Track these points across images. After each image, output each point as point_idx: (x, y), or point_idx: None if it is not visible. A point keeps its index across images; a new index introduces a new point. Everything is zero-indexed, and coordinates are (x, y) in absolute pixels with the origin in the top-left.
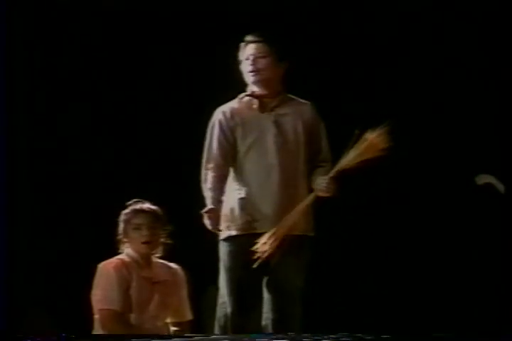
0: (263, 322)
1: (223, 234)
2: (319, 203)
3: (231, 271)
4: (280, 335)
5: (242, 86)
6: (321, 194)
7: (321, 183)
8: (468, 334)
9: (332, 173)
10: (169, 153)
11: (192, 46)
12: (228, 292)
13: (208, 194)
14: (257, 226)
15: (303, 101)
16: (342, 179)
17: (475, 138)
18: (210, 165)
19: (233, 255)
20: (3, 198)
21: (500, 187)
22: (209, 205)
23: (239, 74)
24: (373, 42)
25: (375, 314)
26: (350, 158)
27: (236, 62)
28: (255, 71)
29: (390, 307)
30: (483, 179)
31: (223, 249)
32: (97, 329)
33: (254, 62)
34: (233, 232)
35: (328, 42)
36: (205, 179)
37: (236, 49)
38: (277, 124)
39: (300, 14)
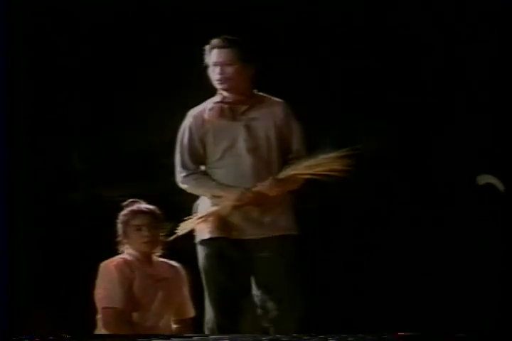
0: (264, 324)
1: (198, 237)
2: (302, 201)
3: (207, 274)
4: (278, 336)
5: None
6: (262, 190)
7: (265, 182)
8: (469, 335)
9: (280, 175)
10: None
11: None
12: (208, 295)
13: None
14: (229, 231)
15: (276, 99)
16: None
17: (476, 139)
18: (185, 173)
19: (208, 258)
20: (2, 198)
21: (501, 187)
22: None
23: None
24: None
25: (368, 313)
26: (299, 168)
27: (204, 65)
28: (223, 80)
29: (386, 306)
30: (484, 179)
31: (200, 252)
32: (100, 328)
33: (222, 70)
34: (207, 236)
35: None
36: (190, 186)
37: (202, 51)
38: (248, 129)
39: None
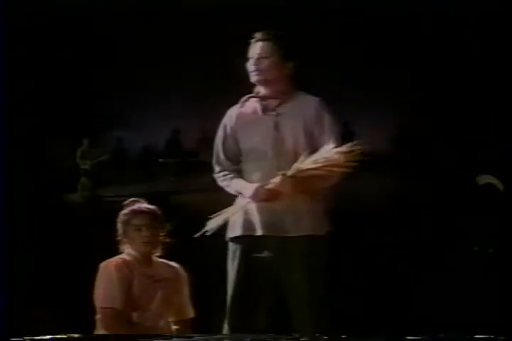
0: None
1: (228, 234)
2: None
3: (229, 270)
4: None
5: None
6: (275, 187)
7: (275, 179)
8: (471, 335)
9: (289, 172)
10: (169, 152)
11: (202, 45)
12: (229, 291)
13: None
14: (256, 229)
15: (311, 97)
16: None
17: (476, 139)
18: (218, 169)
19: (234, 255)
20: (2, 198)
21: (501, 187)
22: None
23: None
24: (381, 40)
25: (375, 314)
26: (304, 163)
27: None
28: (257, 71)
29: (392, 308)
30: (484, 179)
31: (229, 248)
32: (99, 329)
33: (258, 61)
34: (235, 233)
35: (337, 42)
36: (220, 182)
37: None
38: (277, 125)
39: (311, 13)
